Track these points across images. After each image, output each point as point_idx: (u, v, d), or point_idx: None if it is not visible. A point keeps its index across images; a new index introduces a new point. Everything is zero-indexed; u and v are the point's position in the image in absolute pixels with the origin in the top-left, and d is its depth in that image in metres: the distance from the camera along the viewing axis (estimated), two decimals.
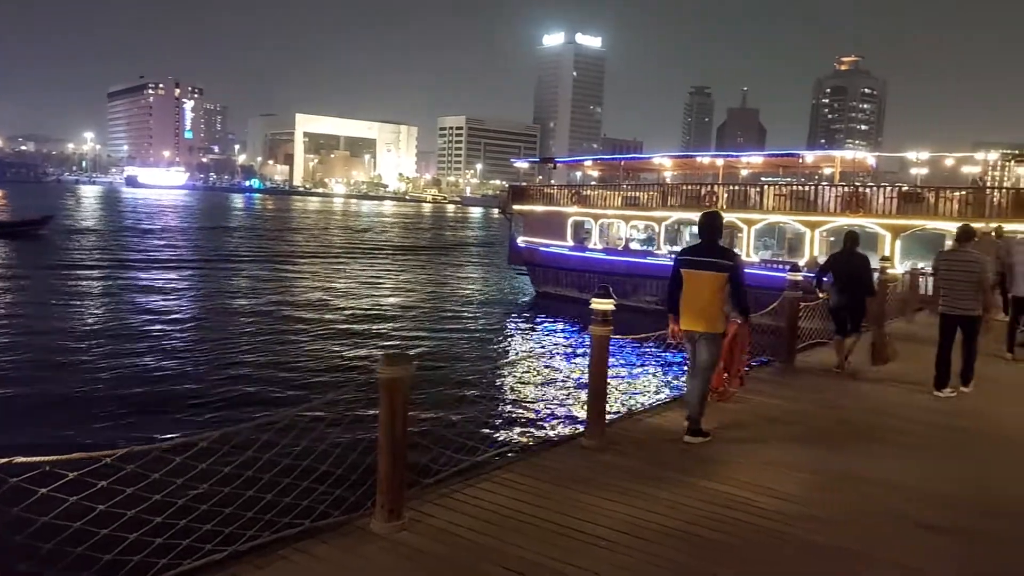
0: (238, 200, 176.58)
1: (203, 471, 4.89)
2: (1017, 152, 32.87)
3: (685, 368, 8.13)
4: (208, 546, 4.60)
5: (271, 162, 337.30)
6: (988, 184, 29.15)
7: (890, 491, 5.97)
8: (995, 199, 25.12)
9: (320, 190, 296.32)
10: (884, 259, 17.91)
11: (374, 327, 25.30)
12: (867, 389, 9.73)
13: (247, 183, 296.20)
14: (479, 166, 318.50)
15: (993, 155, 32.60)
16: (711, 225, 7.26)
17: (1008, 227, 19.46)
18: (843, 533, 5.11)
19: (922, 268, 19.77)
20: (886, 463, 6.72)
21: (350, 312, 28.22)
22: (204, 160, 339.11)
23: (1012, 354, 12.24)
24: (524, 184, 40.63)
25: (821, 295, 11.35)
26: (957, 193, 25.99)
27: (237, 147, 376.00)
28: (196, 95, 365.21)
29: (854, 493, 5.92)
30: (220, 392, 15.91)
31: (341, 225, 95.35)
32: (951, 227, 23.71)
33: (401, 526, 4.86)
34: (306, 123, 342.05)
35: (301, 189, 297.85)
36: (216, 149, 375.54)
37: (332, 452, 5.76)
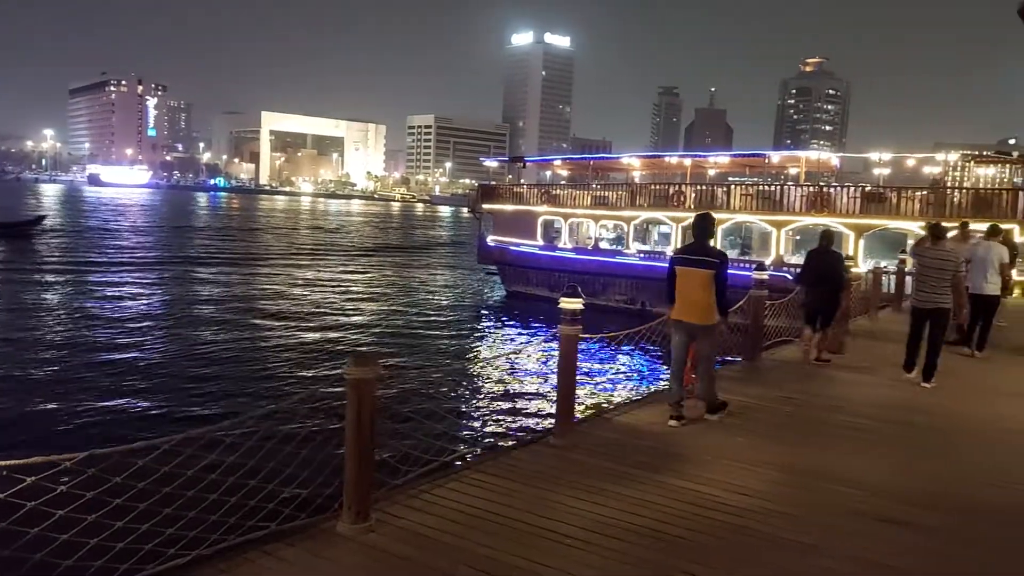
0: (203, 199, 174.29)
1: (166, 474, 4.81)
2: (976, 153, 33.57)
3: (658, 364, 8.20)
4: (172, 550, 4.53)
5: (236, 160, 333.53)
6: (948, 184, 29.71)
7: (852, 486, 6.05)
8: (955, 199, 25.63)
9: (287, 189, 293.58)
10: (848, 258, 18.14)
11: (342, 328, 25.14)
12: (830, 386, 9.86)
13: (212, 182, 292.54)
14: (448, 165, 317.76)
15: (953, 156, 33.20)
16: (702, 226, 7.88)
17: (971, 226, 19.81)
18: (806, 528, 5.18)
19: (885, 266, 20.08)
20: (848, 459, 6.82)
21: (318, 313, 28.00)
22: (168, 158, 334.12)
23: (974, 350, 12.46)
24: (493, 183, 40.71)
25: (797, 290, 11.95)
26: (919, 193, 26.48)
27: (201, 145, 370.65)
28: (159, 92, 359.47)
29: (817, 489, 6.00)
30: (185, 395, 15.71)
31: (309, 225, 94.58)
32: (913, 226, 24.18)
33: (368, 528, 4.83)
34: (272, 121, 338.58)
35: (267, 188, 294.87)
36: (180, 147, 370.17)
37: (298, 454, 5.71)
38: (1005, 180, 34.53)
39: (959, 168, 33.37)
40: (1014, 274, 15.07)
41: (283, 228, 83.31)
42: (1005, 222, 22.74)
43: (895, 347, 12.43)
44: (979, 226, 15.89)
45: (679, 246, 8.70)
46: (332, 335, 23.71)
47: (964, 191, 26.34)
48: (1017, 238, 22.02)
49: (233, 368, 18.31)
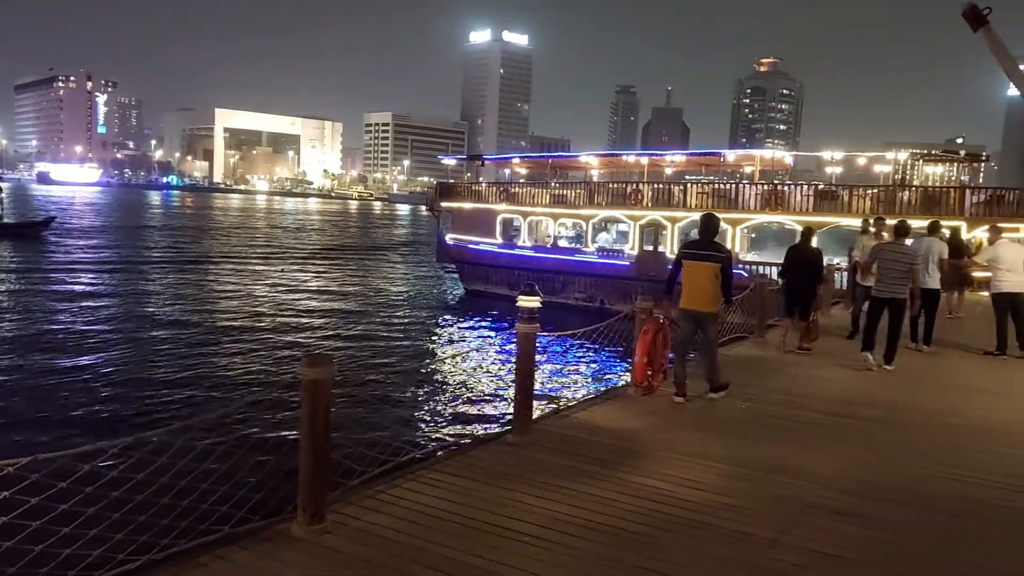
0: (155, 197, 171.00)
1: (114, 479, 4.69)
2: (925, 152, 34.34)
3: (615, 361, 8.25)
4: (121, 556, 4.43)
5: (190, 158, 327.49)
6: (908, 183, 30.40)
7: (806, 479, 6.15)
8: (905, 197, 26.24)
9: (242, 187, 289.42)
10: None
11: (298, 329, 24.84)
12: (785, 381, 10.02)
13: (165, 180, 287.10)
14: (406, 163, 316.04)
15: (903, 155, 33.92)
16: (707, 225, 8.81)
17: (917, 224, 20.29)
18: (761, 521, 5.24)
19: (837, 263, 20.46)
20: (803, 453, 6.93)
21: (273, 314, 27.62)
22: (119, 156, 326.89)
23: (924, 346, 12.73)
24: (452, 181, 40.54)
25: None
26: (870, 191, 27.05)
27: (153, 143, 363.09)
28: (110, 88, 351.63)
29: (772, 483, 6.08)
30: (134, 398, 15.37)
31: (266, 224, 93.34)
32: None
33: (323, 529, 4.77)
34: (226, 118, 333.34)
35: (222, 186, 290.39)
36: (131, 145, 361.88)
37: (252, 455, 5.62)
38: (952, 178, 35.43)
39: (908, 167, 34.11)
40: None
41: (239, 228, 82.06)
42: (952, 219, 23.43)
43: (850, 343, 12.72)
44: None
45: (686, 241, 9.65)
46: (287, 336, 23.42)
47: (914, 189, 26.99)
48: (964, 235, 22.65)
49: (186, 371, 17.97)
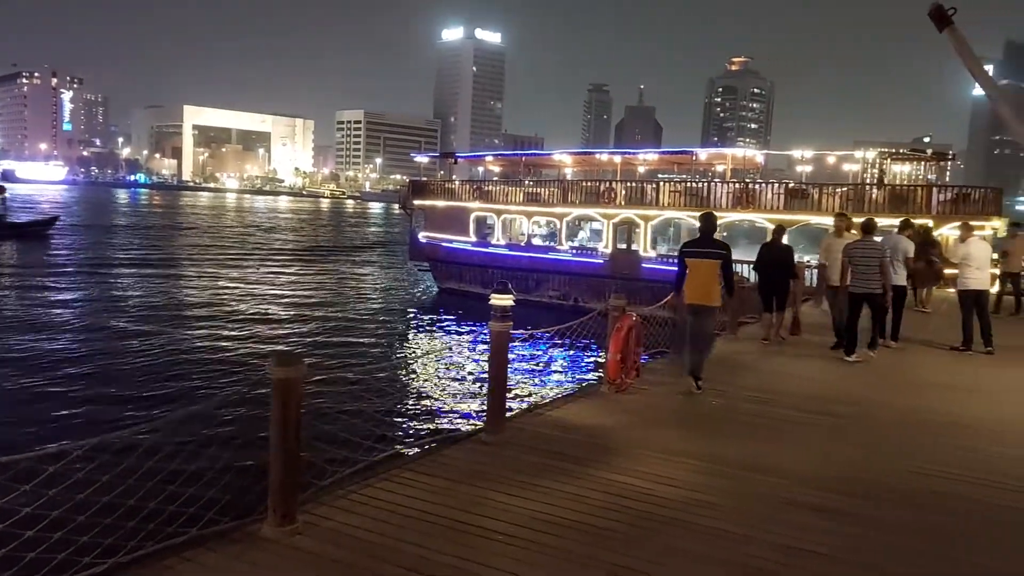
0: (123, 196, 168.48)
1: (79, 481, 4.60)
2: (893, 151, 34.81)
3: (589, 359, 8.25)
4: (86, 559, 4.34)
5: (158, 156, 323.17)
6: (890, 181, 30.79)
7: (780, 476, 6.19)
8: (873, 195, 26.57)
9: (211, 185, 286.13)
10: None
11: (269, 329, 24.58)
12: (758, 378, 10.09)
13: (132, 178, 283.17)
14: (379, 161, 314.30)
15: (871, 153, 34.35)
16: (707, 223, 9.28)
17: (884, 222, 20.58)
18: (734, 518, 5.26)
19: (807, 261, 20.65)
20: (775, 449, 6.97)
21: (244, 314, 27.31)
22: (85, 154, 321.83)
23: (892, 342, 12.90)
24: (425, 179, 40.41)
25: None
26: (839, 189, 27.36)
27: (121, 140, 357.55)
28: (75, 85, 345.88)
29: (745, 479, 6.11)
30: (101, 399, 15.12)
31: (236, 222, 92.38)
32: (832, 221, 24.92)
33: (295, 530, 4.71)
34: (195, 115, 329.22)
35: (191, 184, 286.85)
36: (98, 142, 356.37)
37: (221, 456, 5.54)
38: (920, 177, 35.90)
39: (876, 165, 34.55)
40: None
41: (211, 227, 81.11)
42: (920, 217, 23.74)
43: (820, 339, 12.85)
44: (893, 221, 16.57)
45: (688, 240, 9.93)
46: (258, 336, 23.18)
47: (882, 187, 27.35)
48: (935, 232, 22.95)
49: (154, 371, 17.70)
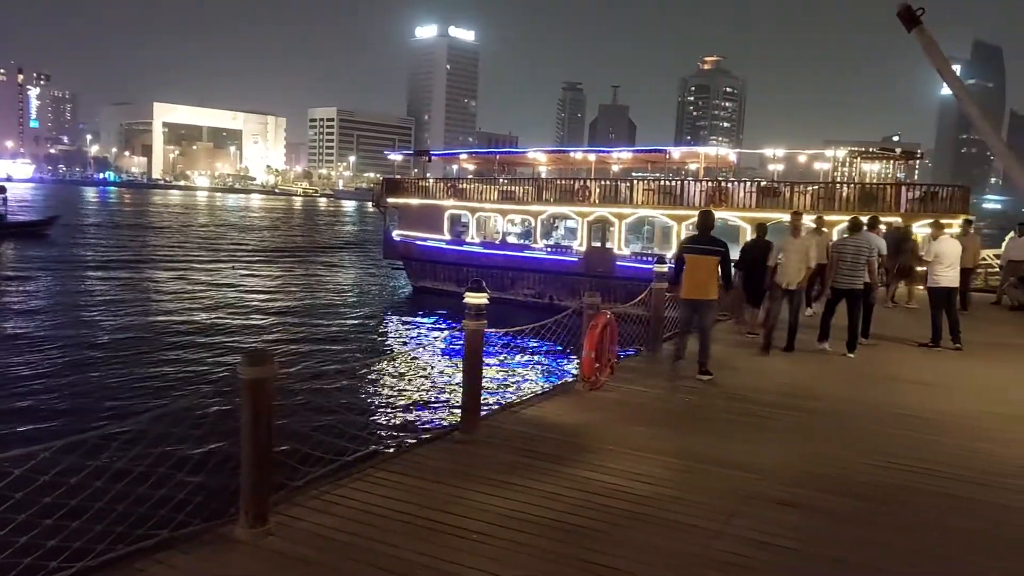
0: (91, 194, 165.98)
1: (46, 483, 4.50)
2: (863, 150, 35.27)
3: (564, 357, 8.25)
4: (54, 563, 4.27)
5: (127, 154, 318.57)
6: (858, 180, 31.14)
7: (750, 471, 6.25)
8: (844, 193, 26.89)
9: (182, 183, 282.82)
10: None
11: (241, 328, 24.37)
12: (729, 375, 10.15)
13: (101, 176, 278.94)
14: (352, 159, 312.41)
15: (842, 152, 34.76)
16: (706, 221, 9.76)
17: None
18: (706, 513, 5.31)
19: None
20: (746, 445, 7.03)
21: (215, 314, 27.05)
22: (53, 151, 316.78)
23: (863, 338, 13.07)
24: (399, 177, 40.24)
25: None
26: (810, 188, 27.66)
27: (89, 138, 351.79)
28: (42, 82, 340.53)
29: (717, 475, 6.16)
30: (68, 399, 14.91)
31: (208, 221, 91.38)
32: (805, 220, 25.15)
33: (267, 531, 4.67)
34: (165, 113, 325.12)
35: (161, 182, 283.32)
36: (66, 140, 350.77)
37: (192, 458, 5.47)
38: (889, 175, 36.40)
39: (847, 164, 35.00)
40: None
41: (185, 226, 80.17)
42: (889, 215, 24.09)
43: (785, 337, 12.94)
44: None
45: (687, 237, 10.47)
46: (230, 335, 22.96)
47: (852, 186, 27.70)
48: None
49: (123, 371, 17.48)
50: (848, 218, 14.51)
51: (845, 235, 12.49)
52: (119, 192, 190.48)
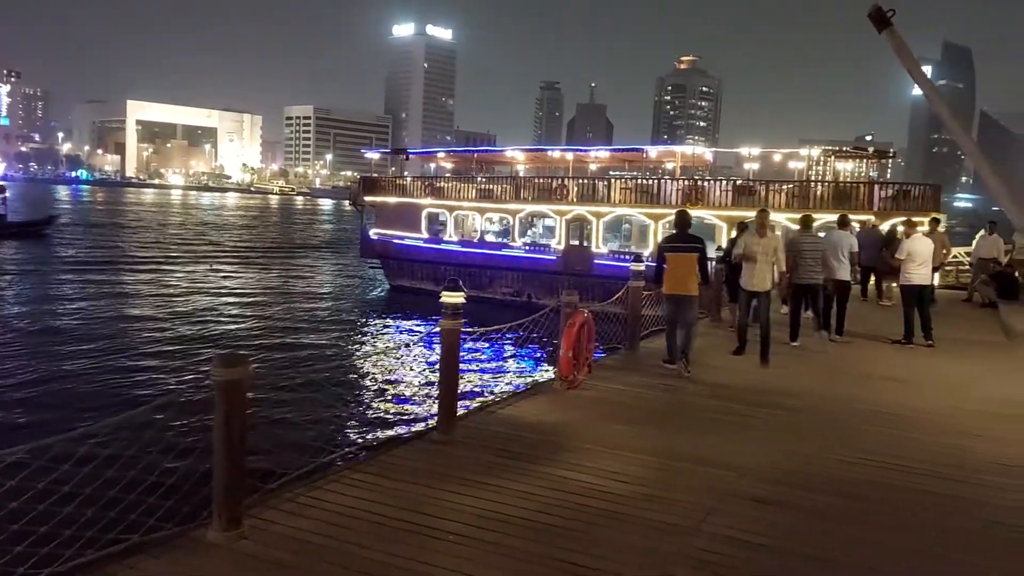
0: (64, 192, 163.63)
1: (13, 489, 4.41)
2: (837, 148, 35.60)
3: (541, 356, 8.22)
4: (21, 569, 4.20)
5: (100, 152, 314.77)
6: (832, 178, 31.39)
7: (724, 468, 6.28)
8: (818, 192, 27.14)
9: (156, 181, 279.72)
10: (719, 248, 18.90)
11: (215, 330, 24.10)
12: (705, 373, 10.20)
13: (74, 174, 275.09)
14: (329, 157, 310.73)
15: (816, 151, 35.08)
16: (683, 220, 10.12)
17: (831, 218, 21.07)
18: (682, 511, 5.32)
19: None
20: (722, 442, 7.07)
21: (188, 316, 26.67)
22: (23, 149, 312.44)
23: (837, 335, 13.20)
24: (376, 175, 40.05)
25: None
26: (785, 186, 27.89)
27: (61, 135, 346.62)
28: (13, 79, 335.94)
29: (692, 473, 6.18)
30: (38, 403, 14.64)
31: (183, 220, 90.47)
32: (780, 218, 25.37)
33: (240, 535, 4.61)
34: (139, 110, 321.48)
35: (135, 180, 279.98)
36: (37, 138, 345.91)
37: (164, 461, 5.40)
38: (861, 174, 36.75)
39: (821, 163, 35.31)
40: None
41: (160, 225, 79.30)
42: (862, 213, 24.34)
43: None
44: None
45: (665, 236, 11.00)
46: (203, 337, 22.70)
47: (826, 184, 27.96)
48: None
49: (94, 373, 17.22)
50: (823, 216, 14.78)
51: (799, 232, 12.78)
52: (92, 190, 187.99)
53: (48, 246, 47.94)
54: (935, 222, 20.24)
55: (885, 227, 24.07)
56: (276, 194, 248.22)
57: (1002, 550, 5.00)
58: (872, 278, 18.39)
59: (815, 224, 14.24)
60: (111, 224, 73.65)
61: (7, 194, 52.57)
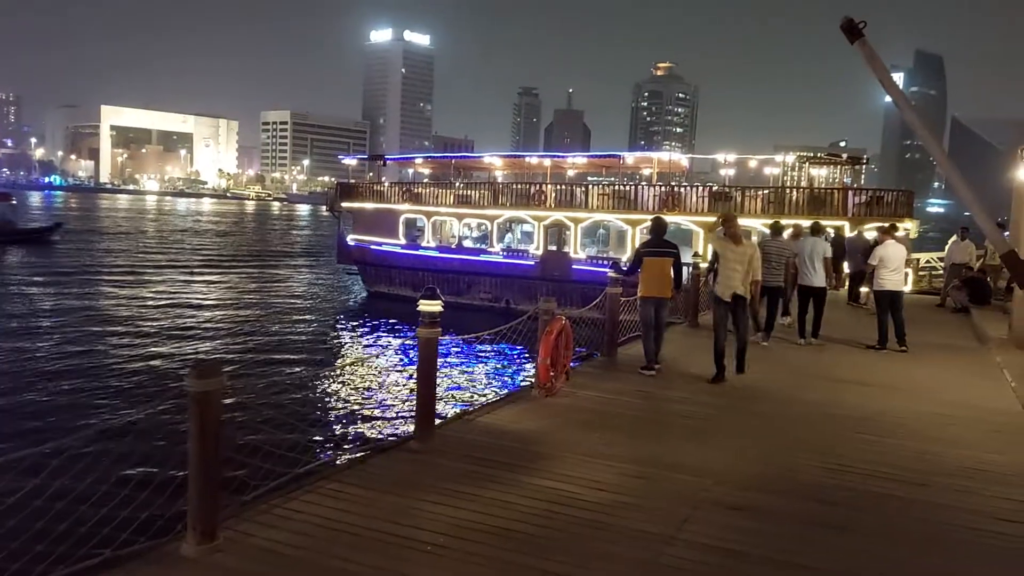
0: (36, 198, 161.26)
1: None
2: (811, 155, 35.99)
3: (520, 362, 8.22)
4: None
5: (74, 157, 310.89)
6: (806, 184, 31.66)
7: (700, 475, 6.30)
8: (793, 198, 27.40)
9: (130, 187, 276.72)
10: (696, 255, 19.03)
11: (189, 339, 23.81)
12: (682, 380, 10.25)
13: (47, 180, 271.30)
14: (306, 162, 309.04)
15: (791, 157, 35.43)
16: (659, 226, 10.76)
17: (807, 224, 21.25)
18: (660, 519, 5.34)
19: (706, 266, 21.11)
20: (696, 448, 7.11)
21: (163, 323, 26.41)
22: None
23: (813, 339, 13.34)
24: (353, 181, 39.92)
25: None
26: (761, 192, 28.14)
27: (34, 141, 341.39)
28: None
29: (670, 480, 6.20)
30: (8, 414, 14.38)
31: (158, 226, 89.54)
32: (756, 223, 25.61)
33: (215, 548, 4.56)
34: (113, 115, 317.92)
35: (109, 186, 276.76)
36: (9, 143, 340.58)
37: (137, 473, 5.33)
38: (836, 180, 37.17)
39: (796, 168, 35.66)
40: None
41: (136, 232, 78.43)
42: (836, 219, 24.62)
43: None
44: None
45: (643, 241, 11.16)
46: (177, 347, 22.44)
47: (801, 190, 28.24)
48: (849, 233, 23.81)
49: (65, 386, 16.93)
50: (793, 221, 15.13)
51: (768, 238, 13.92)
52: (65, 196, 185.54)
53: (52, 254, 48.25)
54: (893, 228, 20.55)
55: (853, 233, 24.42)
56: (253, 200, 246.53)
57: (983, 556, 5.06)
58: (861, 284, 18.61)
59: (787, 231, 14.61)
60: (85, 231, 72.68)
61: (15, 201, 53.04)
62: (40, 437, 11.72)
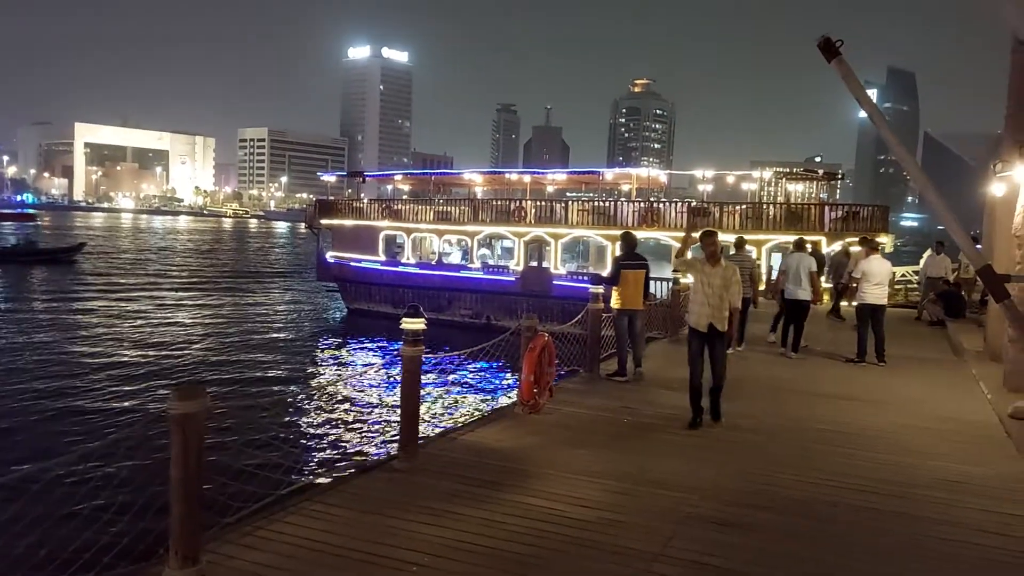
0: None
1: None
2: (788, 170, 36.39)
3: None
4: None
5: (47, 175, 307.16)
6: (783, 200, 31.94)
7: (684, 491, 6.32)
8: (771, 213, 27.67)
9: (105, 205, 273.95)
10: (676, 270, 19.12)
11: (169, 361, 23.49)
12: (665, 395, 10.28)
13: (19, 198, 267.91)
14: (284, 179, 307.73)
15: (767, 173, 35.82)
16: (631, 241, 11.40)
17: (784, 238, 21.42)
18: (646, 536, 5.34)
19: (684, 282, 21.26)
20: (680, 464, 7.13)
21: (140, 347, 26.04)
22: None
23: (793, 353, 13.45)
24: (332, 198, 39.84)
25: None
26: (738, 207, 28.40)
27: (6, 159, 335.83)
28: None
29: (656, 496, 6.21)
30: None
31: (132, 247, 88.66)
32: (732, 238, 25.78)
33: (199, 572, 4.51)
34: (87, 133, 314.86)
35: (83, 204, 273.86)
36: None
37: (118, 497, 5.26)
38: (812, 195, 37.59)
39: (773, 184, 36.05)
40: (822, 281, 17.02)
41: (112, 251, 77.57)
42: (813, 234, 24.86)
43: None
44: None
45: (619, 255, 11.58)
46: (157, 368, 22.13)
47: (778, 206, 28.54)
48: (824, 249, 24.07)
49: (44, 409, 16.66)
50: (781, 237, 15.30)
51: (733, 254, 14.36)
52: (38, 215, 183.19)
53: (74, 273, 48.76)
54: (864, 241, 20.83)
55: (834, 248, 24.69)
56: (230, 217, 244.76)
57: (962, 568, 5.10)
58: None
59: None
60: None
61: (37, 221, 53.76)
62: (20, 459, 11.51)
